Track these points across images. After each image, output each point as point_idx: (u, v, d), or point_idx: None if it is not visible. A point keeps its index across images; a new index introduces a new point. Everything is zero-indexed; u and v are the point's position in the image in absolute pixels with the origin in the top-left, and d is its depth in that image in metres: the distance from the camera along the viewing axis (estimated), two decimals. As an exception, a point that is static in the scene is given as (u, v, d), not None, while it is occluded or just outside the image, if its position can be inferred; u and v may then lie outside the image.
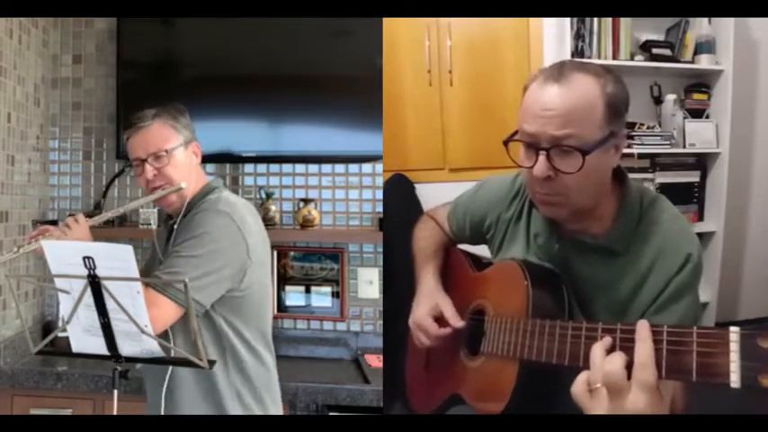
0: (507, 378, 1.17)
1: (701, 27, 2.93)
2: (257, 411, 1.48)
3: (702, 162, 3.03)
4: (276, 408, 1.55)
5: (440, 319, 1.35)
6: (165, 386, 1.44)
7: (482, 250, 1.50)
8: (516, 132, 1.12)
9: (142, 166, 1.48)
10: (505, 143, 1.12)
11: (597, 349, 0.89)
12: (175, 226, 1.47)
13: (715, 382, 0.78)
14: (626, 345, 0.88)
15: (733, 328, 0.76)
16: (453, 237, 1.53)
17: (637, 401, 0.83)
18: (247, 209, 1.50)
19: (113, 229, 2.32)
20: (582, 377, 0.89)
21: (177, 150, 1.49)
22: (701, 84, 3.02)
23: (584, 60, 2.65)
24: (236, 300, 1.44)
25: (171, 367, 1.42)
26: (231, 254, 1.40)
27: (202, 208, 1.44)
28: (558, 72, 1.07)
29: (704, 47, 2.92)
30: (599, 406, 0.86)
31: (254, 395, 1.48)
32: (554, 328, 1.05)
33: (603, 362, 0.86)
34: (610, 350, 0.89)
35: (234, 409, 1.44)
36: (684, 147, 2.96)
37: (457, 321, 1.32)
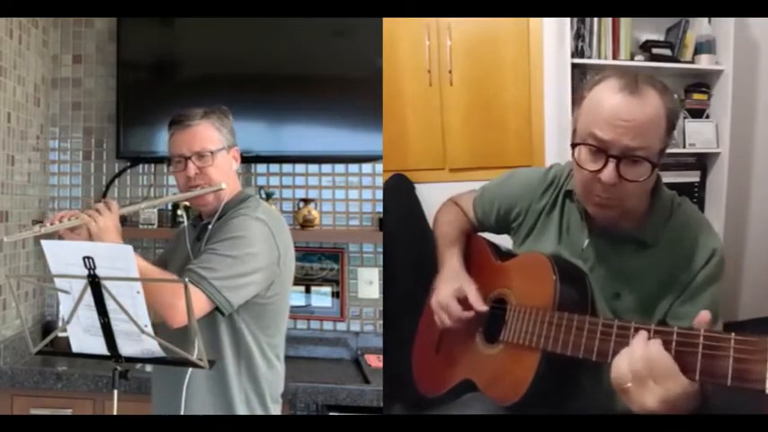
0: (526, 368, 1.19)
1: (701, 27, 2.93)
2: (260, 413, 1.48)
3: (702, 162, 3.03)
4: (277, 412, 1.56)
5: (462, 302, 1.36)
6: (185, 386, 1.43)
7: (503, 240, 1.52)
8: (575, 132, 1.17)
9: (184, 162, 1.49)
10: (573, 146, 1.17)
11: (641, 338, 0.93)
12: (209, 226, 1.49)
13: (749, 387, 0.81)
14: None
15: None
16: (477, 224, 1.55)
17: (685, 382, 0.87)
18: (281, 219, 1.54)
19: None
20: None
21: (220, 153, 1.51)
22: (700, 84, 3.02)
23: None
24: (261, 307, 1.46)
25: (188, 374, 1.43)
26: (264, 260, 1.43)
27: (241, 213, 1.47)
28: (634, 84, 1.12)
29: (704, 47, 2.92)
30: (651, 394, 0.90)
31: (260, 401, 1.49)
32: (582, 323, 1.09)
33: (650, 350, 0.91)
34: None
35: (241, 411, 1.45)
36: (684, 147, 2.96)
37: (480, 306, 1.34)
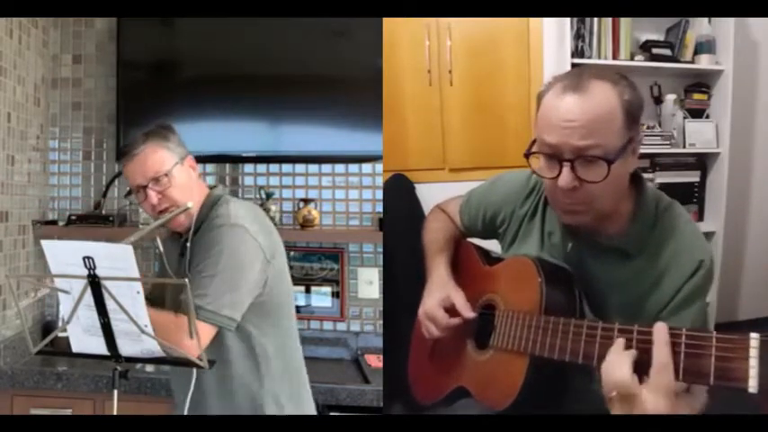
0: (516, 373, 1.18)
1: (701, 27, 2.93)
2: (291, 410, 1.50)
3: (702, 162, 3.03)
4: (310, 403, 1.58)
5: (450, 310, 1.34)
6: (189, 396, 1.44)
7: (492, 245, 1.50)
8: (534, 142, 1.13)
9: (143, 192, 1.48)
10: (526, 156, 1.13)
11: (613, 354, 0.93)
12: (188, 244, 1.47)
13: (733, 386, 0.80)
14: (642, 346, 0.91)
15: (753, 335, 0.78)
16: (464, 230, 1.54)
17: (657, 405, 0.85)
18: (255, 212, 1.52)
19: (113, 229, 2.32)
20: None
21: (175, 170, 1.48)
22: (700, 84, 3.02)
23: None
24: (264, 303, 1.46)
25: (194, 379, 1.43)
26: (252, 265, 1.42)
27: (215, 224, 1.44)
28: (577, 81, 1.07)
29: (704, 47, 2.92)
30: (618, 411, 0.89)
31: (288, 395, 1.50)
32: (568, 326, 1.07)
33: (613, 371, 0.90)
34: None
35: (270, 411, 1.46)
36: (684, 147, 2.96)
37: (468, 312, 1.31)
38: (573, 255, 1.23)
